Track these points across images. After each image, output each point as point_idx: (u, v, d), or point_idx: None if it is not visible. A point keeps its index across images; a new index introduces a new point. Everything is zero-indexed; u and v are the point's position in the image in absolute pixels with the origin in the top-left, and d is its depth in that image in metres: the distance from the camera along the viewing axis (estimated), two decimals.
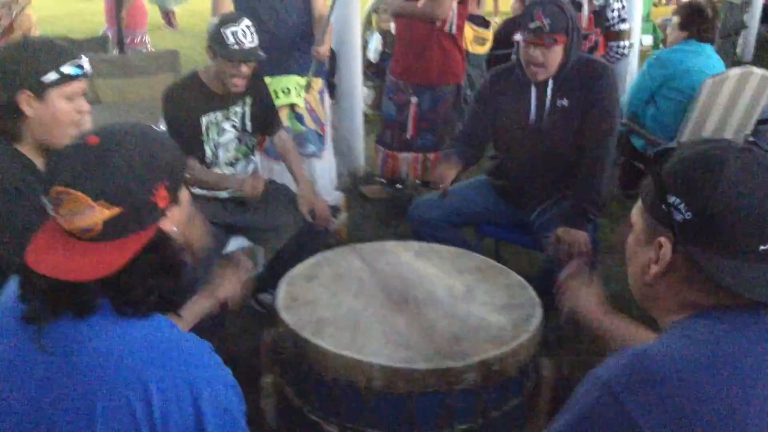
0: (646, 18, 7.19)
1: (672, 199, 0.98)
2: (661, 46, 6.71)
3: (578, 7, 3.50)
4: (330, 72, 4.04)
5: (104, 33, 5.71)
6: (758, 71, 3.69)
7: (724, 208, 0.94)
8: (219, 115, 2.56)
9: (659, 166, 1.02)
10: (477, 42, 5.11)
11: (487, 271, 2.05)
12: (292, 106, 3.23)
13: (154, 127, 1.17)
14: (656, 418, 0.88)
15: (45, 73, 1.51)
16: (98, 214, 0.99)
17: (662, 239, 1.00)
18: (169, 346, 1.04)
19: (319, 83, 3.36)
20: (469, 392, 1.63)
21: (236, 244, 2.68)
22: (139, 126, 1.10)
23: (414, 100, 3.65)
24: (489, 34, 5.14)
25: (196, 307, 1.61)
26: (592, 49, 3.65)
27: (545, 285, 2.24)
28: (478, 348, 1.65)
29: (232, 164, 2.67)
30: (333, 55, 4.11)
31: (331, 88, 4.16)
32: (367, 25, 6.02)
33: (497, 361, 1.64)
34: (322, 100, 3.43)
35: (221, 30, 2.42)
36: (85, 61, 1.58)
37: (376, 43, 5.82)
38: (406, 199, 3.86)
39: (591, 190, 2.41)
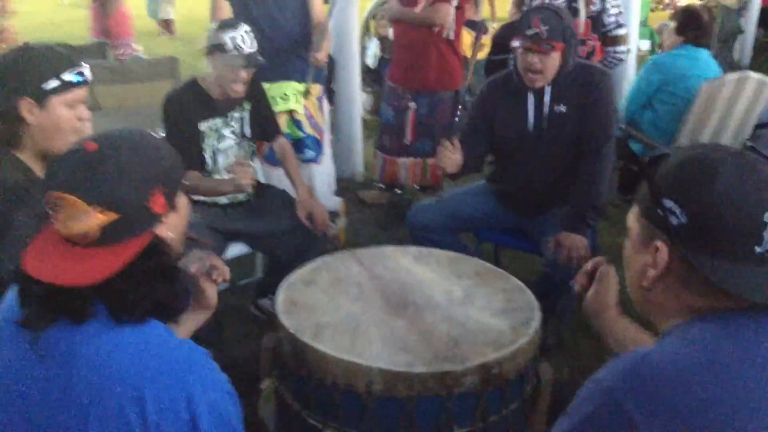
0: (644, 23, 7.22)
1: (667, 203, 0.98)
2: (658, 50, 6.73)
3: (575, 12, 3.51)
4: (328, 78, 4.05)
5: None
6: (755, 76, 3.70)
7: (720, 212, 0.94)
8: (218, 121, 2.57)
9: (654, 170, 1.03)
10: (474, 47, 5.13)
11: (485, 275, 2.06)
12: (290, 113, 3.24)
13: (153, 133, 1.17)
14: (658, 422, 0.89)
15: (46, 80, 1.51)
16: (94, 219, 0.99)
17: (659, 243, 1.01)
18: (164, 353, 1.03)
19: (317, 89, 3.37)
20: (469, 396, 1.63)
21: (235, 250, 2.69)
22: (137, 132, 1.10)
23: (412, 105, 3.66)
24: (486, 40, 5.16)
25: (190, 324, 1.48)
26: (590, 55, 3.66)
27: (544, 289, 2.26)
28: (478, 352, 1.66)
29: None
30: (331, 62, 4.12)
31: (330, 94, 4.18)
32: (366, 30, 6.04)
33: (496, 365, 1.64)
34: (320, 106, 3.44)
35: (220, 36, 2.44)
36: (85, 68, 1.59)
37: (374, 48, 5.85)
38: (405, 204, 3.87)
39: (590, 195, 2.42)
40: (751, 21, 7.72)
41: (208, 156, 2.57)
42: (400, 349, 1.67)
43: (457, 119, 3.79)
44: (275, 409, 1.92)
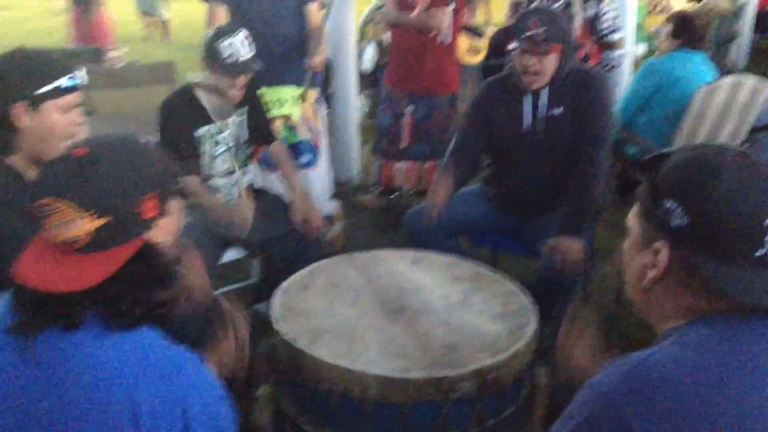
0: (640, 26, 7.23)
1: (668, 204, 0.98)
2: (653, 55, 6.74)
3: (570, 17, 3.52)
4: (325, 82, 4.05)
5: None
6: (751, 79, 3.71)
7: (721, 213, 0.94)
8: (214, 127, 2.57)
9: (654, 171, 1.02)
10: (471, 52, 5.12)
11: (482, 279, 2.05)
12: (285, 118, 3.24)
13: (149, 138, 1.17)
14: (656, 426, 0.88)
15: (40, 85, 1.51)
16: (84, 224, 0.99)
17: (659, 244, 1.00)
18: (157, 359, 1.03)
19: (314, 94, 3.37)
20: (465, 401, 1.62)
21: (231, 255, 2.68)
22: (128, 137, 1.10)
23: (409, 109, 3.66)
24: (483, 44, 5.15)
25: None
26: (585, 59, 3.67)
27: (541, 292, 2.25)
28: (474, 357, 1.65)
29: (227, 175, 2.67)
30: (328, 66, 4.12)
31: (327, 98, 4.17)
32: (362, 34, 6.04)
33: (493, 370, 1.63)
34: (316, 110, 3.44)
35: (217, 43, 2.43)
36: (80, 73, 1.58)
37: (371, 52, 5.85)
38: (402, 208, 3.86)
39: (585, 199, 2.42)
40: (746, 25, 7.74)
41: (204, 161, 2.57)
42: (397, 354, 1.66)
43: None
44: (271, 415, 1.91)
